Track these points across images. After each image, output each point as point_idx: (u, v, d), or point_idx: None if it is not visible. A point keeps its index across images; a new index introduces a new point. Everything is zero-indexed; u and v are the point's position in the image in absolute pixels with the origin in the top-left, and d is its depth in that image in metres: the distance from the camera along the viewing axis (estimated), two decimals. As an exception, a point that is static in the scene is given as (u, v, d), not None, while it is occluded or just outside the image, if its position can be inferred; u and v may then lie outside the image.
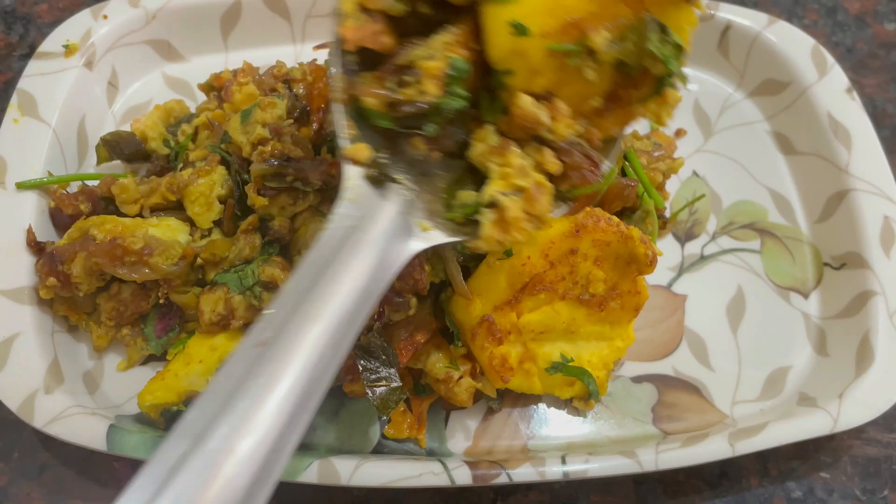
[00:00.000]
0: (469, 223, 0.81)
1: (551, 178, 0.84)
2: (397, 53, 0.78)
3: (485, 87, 0.82)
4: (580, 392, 0.93)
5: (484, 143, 0.83)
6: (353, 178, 0.73)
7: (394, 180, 0.76)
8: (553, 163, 0.83)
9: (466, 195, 0.81)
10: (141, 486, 0.47)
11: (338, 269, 0.63)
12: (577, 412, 0.96)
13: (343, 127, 0.76)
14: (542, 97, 0.81)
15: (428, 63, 0.75)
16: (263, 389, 0.52)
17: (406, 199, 0.76)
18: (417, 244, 0.72)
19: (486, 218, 0.79)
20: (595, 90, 0.84)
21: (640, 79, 0.85)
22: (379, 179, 0.75)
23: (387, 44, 0.77)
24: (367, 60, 0.78)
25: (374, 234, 0.69)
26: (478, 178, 0.85)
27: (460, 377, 0.87)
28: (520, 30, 0.74)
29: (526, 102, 0.79)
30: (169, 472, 0.47)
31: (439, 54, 0.75)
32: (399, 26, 0.79)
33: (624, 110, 0.88)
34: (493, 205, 0.80)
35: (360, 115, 0.78)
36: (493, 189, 0.80)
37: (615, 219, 0.89)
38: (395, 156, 0.78)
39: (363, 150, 0.75)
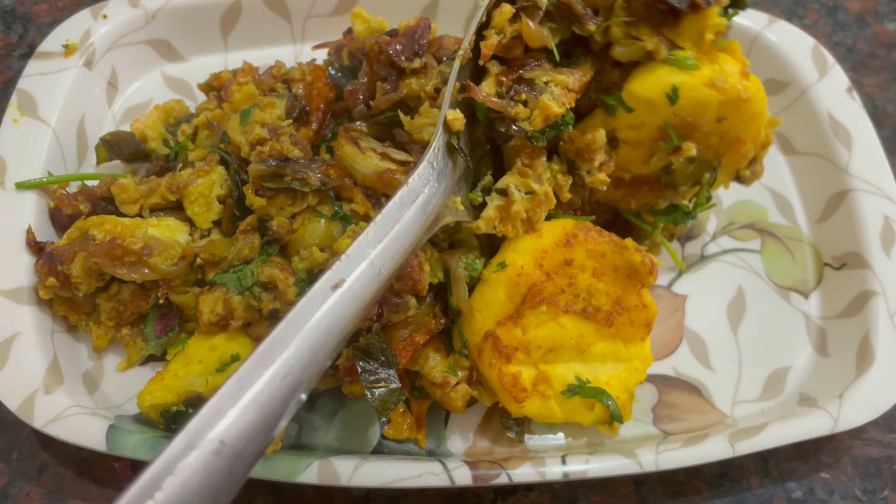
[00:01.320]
0: (480, 207, 0.87)
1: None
2: (523, 64, 0.87)
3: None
4: (602, 416, 0.90)
5: (523, 142, 0.87)
6: (438, 142, 0.82)
7: (461, 151, 0.84)
8: (567, 195, 0.91)
9: (488, 180, 0.89)
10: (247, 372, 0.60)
11: (403, 230, 0.74)
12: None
13: (453, 88, 0.84)
14: (611, 142, 0.92)
15: (551, 105, 0.83)
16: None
17: (462, 173, 0.84)
18: (452, 217, 0.82)
19: (493, 201, 0.86)
20: (637, 170, 0.96)
21: (660, 190, 0.98)
22: (452, 147, 0.83)
23: (517, 55, 0.87)
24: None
25: (437, 201, 0.79)
26: (495, 159, 0.91)
27: (457, 383, 0.87)
28: (672, 97, 0.86)
29: (602, 138, 0.89)
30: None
31: (558, 92, 0.85)
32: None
33: (629, 196, 1.00)
34: (503, 192, 0.85)
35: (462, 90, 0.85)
36: (510, 180, 0.84)
37: (606, 231, 0.90)
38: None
39: (460, 120, 0.83)
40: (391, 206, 0.74)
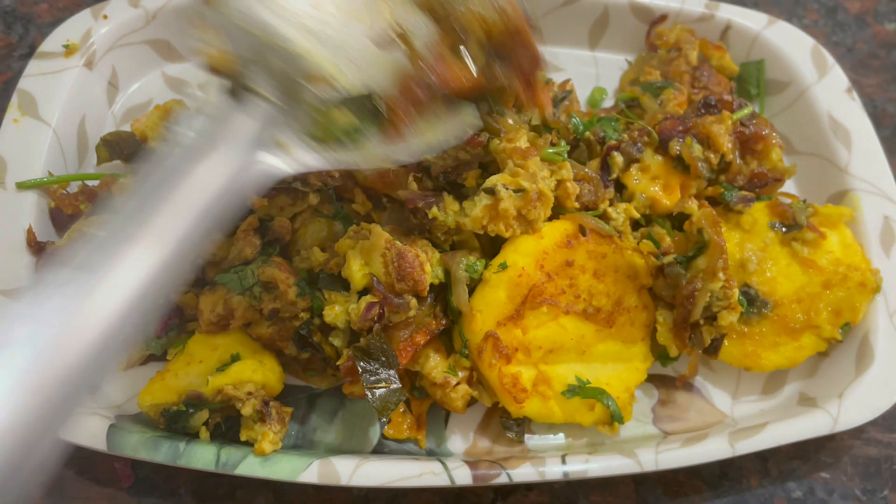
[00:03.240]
0: (344, 144, 0.71)
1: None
2: None
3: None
4: (602, 416, 0.90)
5: (513, 144, 0.85)
6: (213, 91, 0.66)
7: (256, 92, 0.66)
8: (574, 204, 0.90)
9: (343, 117, 0.70)
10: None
11: (183, 190, 0.57)
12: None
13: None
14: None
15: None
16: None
17: (269, 115, 0.66)
18: (281, 165, 0.65)
19: (482, 200, 0.83)
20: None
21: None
22: (237, 91, 0.66)
23: None
24: None
25: (232, 151, 0.61)
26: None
27: (457, 383, 0.87)
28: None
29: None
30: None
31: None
32: None
33: None
34: (491, 192, 0.82)
35: None
36: (498, 180, 0.83)
37: (607, 228, 0.90)
38: (258, 66, 0.67)
39: (228, 60, 0.66)
40: (151, 168, 0.56)
